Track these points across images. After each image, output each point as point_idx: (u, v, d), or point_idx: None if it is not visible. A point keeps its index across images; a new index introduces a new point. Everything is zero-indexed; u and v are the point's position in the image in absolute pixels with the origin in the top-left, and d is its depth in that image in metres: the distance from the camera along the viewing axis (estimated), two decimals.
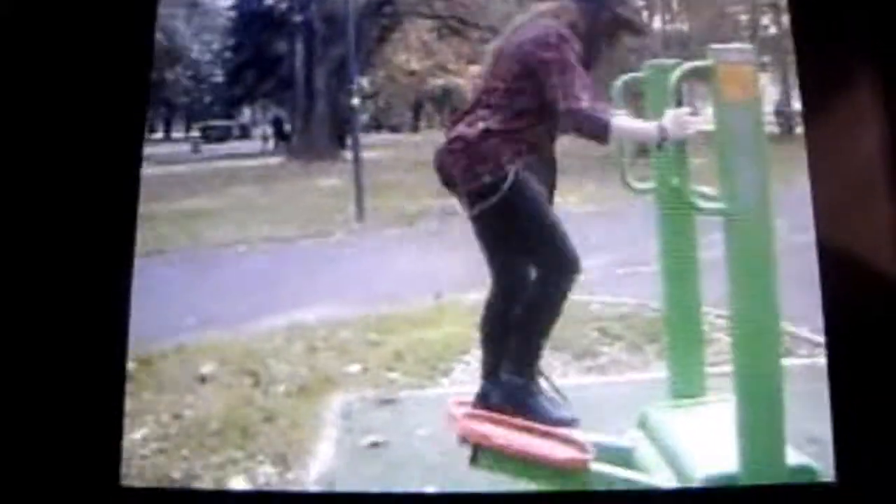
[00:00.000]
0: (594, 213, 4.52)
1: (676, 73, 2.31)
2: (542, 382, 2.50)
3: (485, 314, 2.58)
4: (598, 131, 2.37)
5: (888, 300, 2.04)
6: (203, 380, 3.43)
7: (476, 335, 2.82)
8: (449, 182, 2.50)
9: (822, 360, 3.24)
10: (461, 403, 2.55)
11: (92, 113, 2.10)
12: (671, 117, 2.33)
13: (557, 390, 2.53)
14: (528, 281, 2.48)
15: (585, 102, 2.36)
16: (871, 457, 2.01)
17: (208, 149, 7.70)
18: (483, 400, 2.50)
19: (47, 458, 1.98)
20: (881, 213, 2.07)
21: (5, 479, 1.96)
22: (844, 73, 2.13)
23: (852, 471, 2.01)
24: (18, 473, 1.97)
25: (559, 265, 2.44)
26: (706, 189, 2.33)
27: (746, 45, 2.36)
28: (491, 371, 2.52)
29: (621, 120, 2.41)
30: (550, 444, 2.40)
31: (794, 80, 6.79)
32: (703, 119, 2.35)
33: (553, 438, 2.42)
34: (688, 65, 2.31)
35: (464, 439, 2.37)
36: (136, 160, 2.15)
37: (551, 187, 2.52)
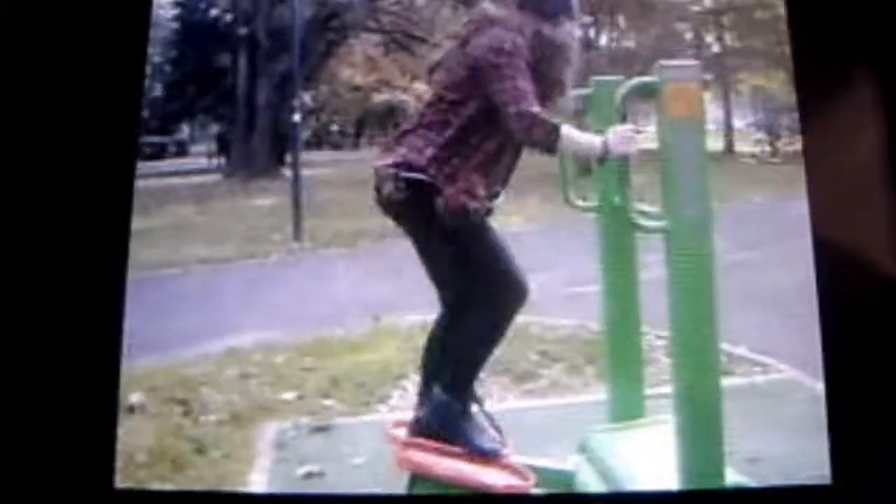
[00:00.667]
0: (535, 231, 4.50)
1: (622, 90, 2.30)
2: (476, 410, 2.44)
3: (431, 334, 2.52)
4: (548, 137, 2.31)
5: (883, 299, 2.05)
6: (131, 410, 3.30)
7: (414, 359, 2.76)
8: (390, 208, 2.40)
9: (759, 379, 3.31)
10: (400, 424, 2.51)
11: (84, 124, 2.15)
12: (615, 133, 2.30)
13: (492, 419, 2.48)
14: (474, 301, 2.41)
15: (536, 107, 2.30)
16: (865, 458, 2.03)
17: (142, 166, 7.54)
18: (416, 424, 2.44)
19: (42, 460, 2.00)
20: (878, 214, 2.08)
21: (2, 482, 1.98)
22: (841, 73, 2.14)
23: (847, 471, 2.02)
24: (14, 474, 1.99)
25: (509, 290, 2.39)
26: (648, 207, 2.33)
27: (692, 62, 2.34)
28: (426, 393, 2.47)
29: (569, 129, 2.35)
30: (490, 471, 2.39)
31: (734, 98, 6.95)
32: (646, 136, 2.33)
33: (493, 465, 2.40)
34: (634, 81, 2.30)
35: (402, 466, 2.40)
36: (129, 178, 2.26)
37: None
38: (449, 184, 2.31)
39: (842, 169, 2.13)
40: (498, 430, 2.47)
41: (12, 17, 2.10)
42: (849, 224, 2.10)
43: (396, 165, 2.35)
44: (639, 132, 2.31)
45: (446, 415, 2.38)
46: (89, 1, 2.14)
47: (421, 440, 2.42)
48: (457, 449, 2.40)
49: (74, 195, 2.12)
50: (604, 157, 2.31)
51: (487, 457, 2.37)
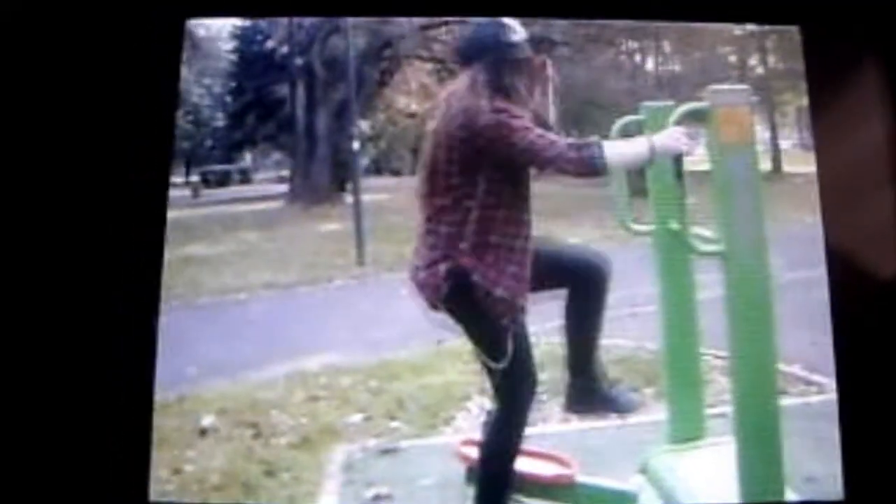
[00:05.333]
0: None
1: (674, 115, 2.31)
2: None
3: (489, 437, 2.47)
4: (596, 163, 2.26)
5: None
6: (203, 432, 3.40)
7: (476, 381, 2.81)
8: (436, 302, 2.35)
9: (814, 399, 3.28)
10: (469, 443, 2.58)
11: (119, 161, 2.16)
12: (662, 133, 2.31)
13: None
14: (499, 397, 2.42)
15: (561, 144, 2.26)
16: (879, 473, 2.06)
17: (208, 193, 7.72)
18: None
19: (78, 475, 2.04)
20: (888, 211, 2.09)
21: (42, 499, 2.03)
22: (850, 70, 2.15)
23: (860, 487, 2.05)
24: (51, 489, 2.03)
25: (520, 390, 2.39)
26: (704, 231, 2.34)
27: (742, 87, 2.33)
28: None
29: (612, 144, 2.34)
30: (538, 463, 2.58)
31: (779, 120, 6.90)
32: (695, 143, 2.32)
33: (541, 458, 2.60)
34: (686, 106, 2.30)
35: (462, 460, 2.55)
36: (162, 210, 2.20)
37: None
38: (491, 279, 2.29)
39: (853, 177, 2.14)
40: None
41: (43, 45, 2.15)
42: (861, 234, 2.11)
43: (435, 261, 2.32)
44: (686, 134, 2.31)
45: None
46: (123, 35, 2.18)
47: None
48: None
49: (108, 221, 2.14)
50: (653, 160, 2.31)
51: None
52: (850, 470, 2.05)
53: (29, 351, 2.08)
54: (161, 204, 2.18)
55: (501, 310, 2.30)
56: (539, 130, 2.29)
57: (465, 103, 2.33)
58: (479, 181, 2.31)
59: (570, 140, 2.29)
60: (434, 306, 2.36)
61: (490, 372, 2.36)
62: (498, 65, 2.36)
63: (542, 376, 2.48)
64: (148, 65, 2.18)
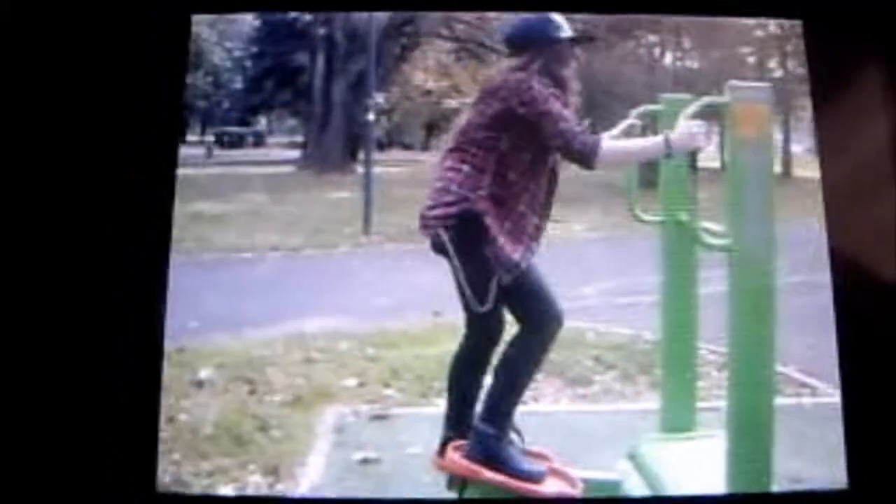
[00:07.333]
0: (596, 240, 4.56)
1: (693, 107, 2.32)
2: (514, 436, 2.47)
3: (457, 362, 2.52)
4: (587, 151, 2.32)
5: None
6: (200, 384, 3.44)
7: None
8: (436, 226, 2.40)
9: (806, 400, 3.30)
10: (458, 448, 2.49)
11: (128, 119, 2.13)
12: (679, 130, 2.32)
13: (522, 439, 2.51)
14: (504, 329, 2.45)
15: (571, 123, 2.34)
16: (882, 463, 2.03)
17: (221, 154, 7.75)
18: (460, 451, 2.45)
19: (84, 464, 2.00)
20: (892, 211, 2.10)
21: (43, 486, 1.98)
22: (855, 66, 2.15)
23: (864, 477, 2.03)
24: (55, 479, 1.99)
25: (549, 322, 2.41)
26: (712, 225, 2.34)
27: (763, 84, 2.33)
28: (459, 420, 2.48)
29: (614, 142, 2.39)
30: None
31: (794, 123, 6.87)
32: (710, 135, 2.34)
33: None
34: (705, 99, 2.32)
35: (452, 474, 2.42)
36: (172, 164, 2.17)
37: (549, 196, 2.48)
38: (497, 228, 2.34)
39: (858, 176, 2.14)
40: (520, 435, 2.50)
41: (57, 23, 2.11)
42: (865, 235, 2.11)
43: (452, 202, 2.38)
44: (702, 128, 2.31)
45: (491, 445, 2.39)
46: (130, 30, 2.13)
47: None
48: None
49: (118, 185, 2.10)
50: (669, 155, 2.34)
51: (533, 480, 2.38)
52: (852, 458, 2.05)
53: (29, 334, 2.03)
54: (168, 200, 2.15)
55: (497, 259, 2.33)
56: (575, 120, 2.36)
57: (517, 77, 2.40)
58: (504, 140, 2.37)
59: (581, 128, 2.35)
60: (437, 237, 2.39)
61: (470, 314, 2.41)
62: (547, 55, 2.42)
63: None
64: (154, 61, 2.15)
